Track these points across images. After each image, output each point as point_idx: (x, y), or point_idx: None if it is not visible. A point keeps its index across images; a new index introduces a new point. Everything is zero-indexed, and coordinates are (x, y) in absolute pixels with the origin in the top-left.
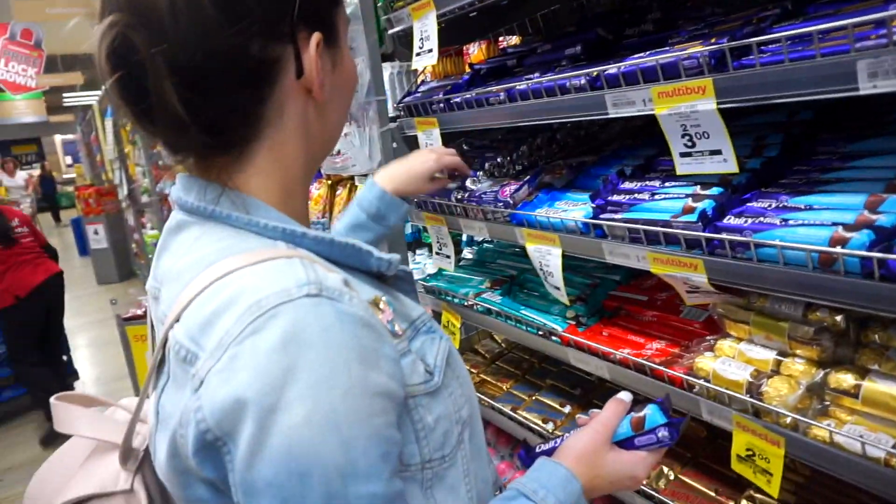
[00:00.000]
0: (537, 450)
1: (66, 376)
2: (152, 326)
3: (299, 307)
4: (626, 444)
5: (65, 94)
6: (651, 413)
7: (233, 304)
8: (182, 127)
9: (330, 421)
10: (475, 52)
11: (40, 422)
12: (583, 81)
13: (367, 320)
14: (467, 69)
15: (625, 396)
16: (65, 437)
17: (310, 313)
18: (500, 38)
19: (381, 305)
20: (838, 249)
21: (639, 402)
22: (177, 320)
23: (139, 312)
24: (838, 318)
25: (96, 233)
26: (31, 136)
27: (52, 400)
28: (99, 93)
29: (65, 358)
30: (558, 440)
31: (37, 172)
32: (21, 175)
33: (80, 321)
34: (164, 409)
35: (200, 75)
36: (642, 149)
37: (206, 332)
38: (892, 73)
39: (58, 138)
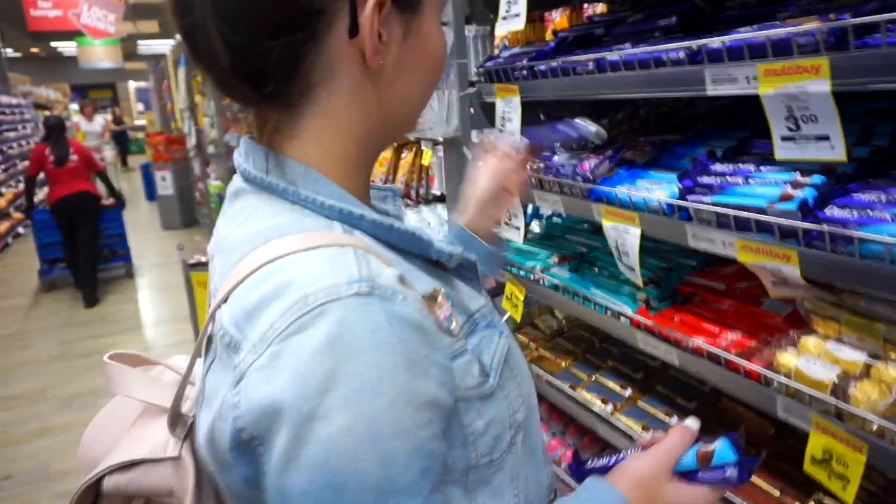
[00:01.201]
0: (589, 465)
1: (93, 295)
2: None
3: (348, 306)
4: (688, 476)
5: (140, 42)
6: (721, 447)
7: (280, 295)
8: (227, 74)
9: (371, 432)
10: (558, 18)
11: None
12: (681, 55)
13: (420, 323)
14: (549, 36)
15: (692, 424)
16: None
17: (358, 314)
18: (585, 5)
19: (440, 299)
20: None
21: (704, 435)
22: (224, 300)
23: (203, 259)
24: None
25: (163, 179)
26: (107, 82)
27: (104, 359)
28: (172, 41)
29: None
30: (612, 458)
31: (108, 118)
32: (98, 120)
33: (145, 262)
34: (211, 386)
35: (241, 17)
36: (730, 130)
37: (251, 322)
38: None
39: (131, 85)
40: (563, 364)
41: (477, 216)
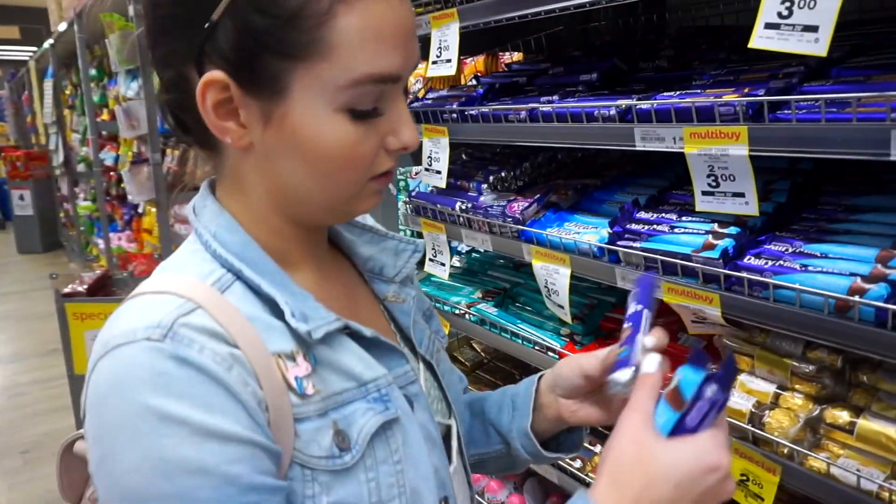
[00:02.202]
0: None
1: None
2: None
3: (134, 349)
4: (679, 429)
5: None
6: (683, 376)
7: (101, 335)
8: (167, 116)
9: (159, 468)
10: (473, 62)
11: None
12: (612, 112)
13: (212, 371)
14: (464, 79)
15: (649, 366)
16: None
17: (145, 357)
18: (501, 53)
19: (298, 360)
20: (857, 299)
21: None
22: None
23: (80, 289)
24: (836, 357)
25: (21, 199)
26: None
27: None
28: (35, 49)
29: None
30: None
31: None
32: None
33: None
34: None
35: (155, 42)
36: (643, 178)
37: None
38: None
39: None
40: None
41: (556, 381)
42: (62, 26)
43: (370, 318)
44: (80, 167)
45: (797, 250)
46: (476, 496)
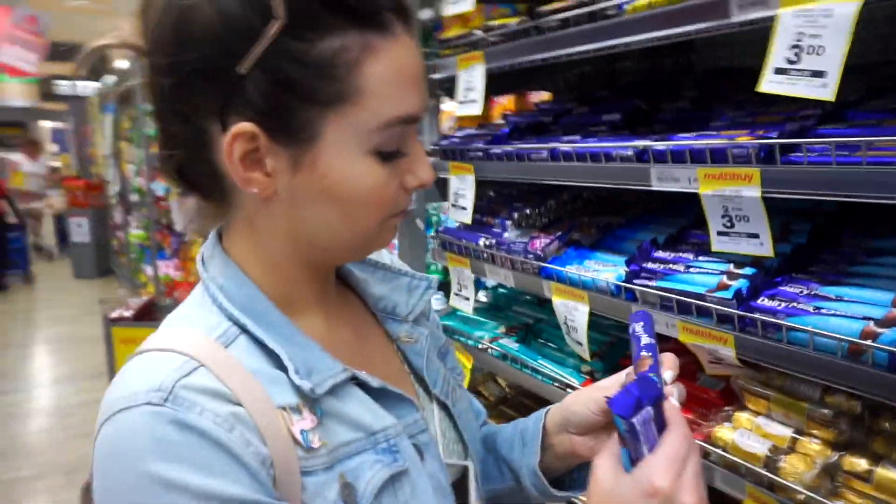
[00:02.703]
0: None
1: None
2: None
3: (135, 414)
4: (632, 459)
5: (59, 82)
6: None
7: (106, 398)
8: (168, 170)
9: None
10: (504, 101)
11: None
12: (629, 153)
13: (213, 434)
14: (495, 117)
15: (676, 397)
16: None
17: (145, 422)
18: (530, 93)
19: (304, 413)
20: (868, 342)
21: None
22: None
23: (127, 314)
24: (855, 403)
25: (79, 226)
26: (18, 120)
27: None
28: (98, 84)
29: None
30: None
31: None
32: (45, 161)
33: (55, 313)
34: None
35: (161, 103)
36: (666, 216)
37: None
38: None
39: (46, 125)
40: None
41: (570, 408)
42: (124, 63)
43: (382, 361)
44: (134, 197)
45: (812, 292)
46: None
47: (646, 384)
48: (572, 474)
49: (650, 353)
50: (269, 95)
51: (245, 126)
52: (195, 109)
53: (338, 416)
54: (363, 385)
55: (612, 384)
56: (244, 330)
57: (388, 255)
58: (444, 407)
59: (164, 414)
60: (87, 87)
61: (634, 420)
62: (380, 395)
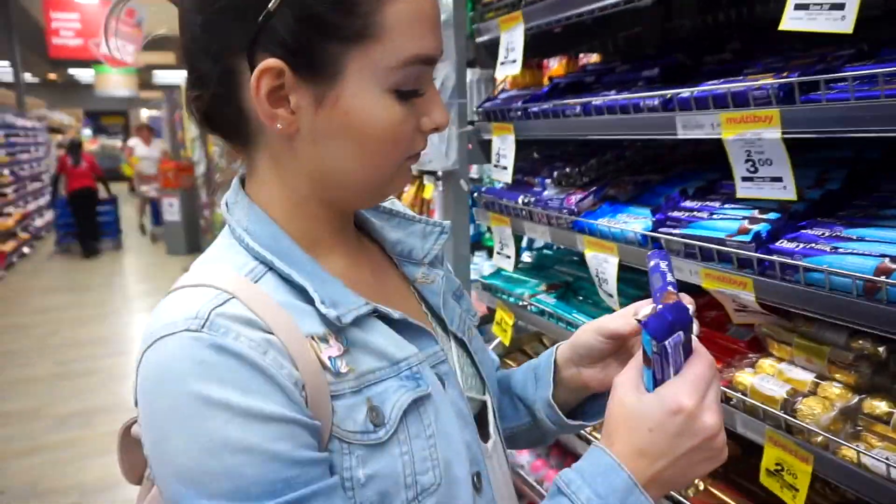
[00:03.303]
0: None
1: (93, 246)
2: None
3: (175, 340)
4: (657, 387)
5: (156, 72)
6: (643, 335)
7: (148, 325)
8: (193, 112)
9: (207, 449)
10: (555, 66)
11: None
12: (655, 102)
13: (249, 357)
14: (546, 82)
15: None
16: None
17: (186, 347)
18: (581, 55)
19: (331, 342)
20: (882, 279)
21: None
22: None
23: None
24: (880, 348)
25: (171, 206)
26: (120, 109)
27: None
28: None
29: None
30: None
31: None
32: (158, 145)
33: (147, 286)
34: None
35: (192, 46)
36: (707, 172)
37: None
38: None
39: (143, 113)
40: None
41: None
42: None
43: (400, 301)
44: (218, 177)
45: (834, 234)
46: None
47: (679, 310)
48: (584, 406)
49: (675, 290)
50: (296, 32)
51: (272, 62)
52: (224, 47)
53: (363, 345)
54: (385, 318)
55: (620, 315)
56: (270, 268)
57: (401, 205)
58: (461, 343)
59: (203, 339)
60: (179, 76)
61: (667, 342)
62: (401, 327)
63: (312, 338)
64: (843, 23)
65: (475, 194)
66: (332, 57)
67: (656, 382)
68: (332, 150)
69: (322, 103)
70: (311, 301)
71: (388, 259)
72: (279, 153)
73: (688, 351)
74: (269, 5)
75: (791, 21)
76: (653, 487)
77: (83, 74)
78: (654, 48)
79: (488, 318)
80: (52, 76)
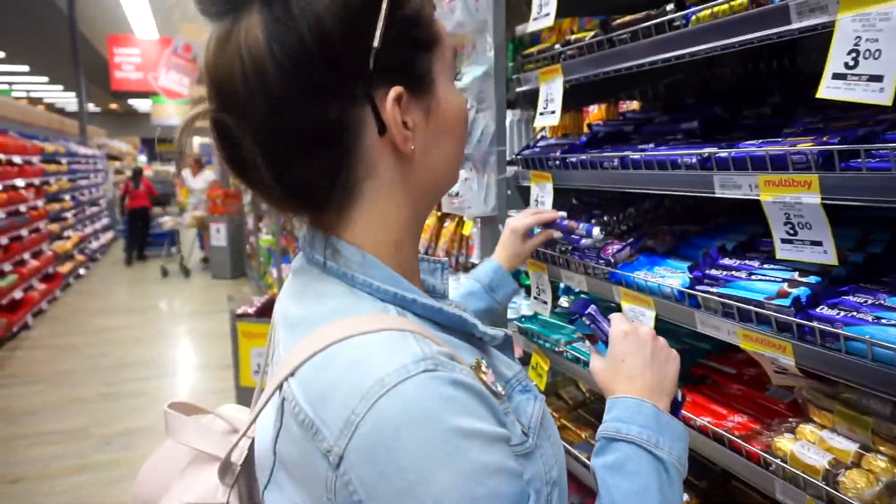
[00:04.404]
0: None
1: (142, 254)
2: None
3: (416, 383)
4: (604, 343)
5: None
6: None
7: (354, 380)
8: (279, 199)
9: (472, 478)
10: (595, 110)
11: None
12: (693, 160)
13: (480, 389)
14: (585, 127)
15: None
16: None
17: (428, 387)
18: (621, 101)
19: (483, 368)
20: None
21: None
22: (292, 374)
23: (250, 311)
24: None
25: (218, 231)
26: (173, 137)
27: (164, 408)
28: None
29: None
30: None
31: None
32: (206, 177)
33: (191, 308)
34: (286, 455)
35: (280, 144)
36: (746, 226)
37: (327, 405)
38: None
39: (196, 140)
40: (584, 435)
41: (513, 255)
42: None
43: None
44: (264, 205)
45: (877, 302)
46: None
47: (582, 301)
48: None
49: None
50: (401, 55)
51: (398, 89)
52: (335, 100)
53: (494, 368)
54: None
55: (521, 217)
56: (406, 306)
57: None
58: None
59: (441, 376)
60: None
61: (589, 310)
62: (502, 345)
63: (472, 367)
64: (881, 95)
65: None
66: (428, 67)
67: (605, 343)
68: (440, 151)
69: (430, 113)
70: (454, 332)
71: None
72: (392, 181)
73: (609, 320)
74: (373, 41)
75: (828, 90)
76: (657, 398)
77: (141, 104)
78: (694, 97)
79: (524, 361)
80: (113, 106)
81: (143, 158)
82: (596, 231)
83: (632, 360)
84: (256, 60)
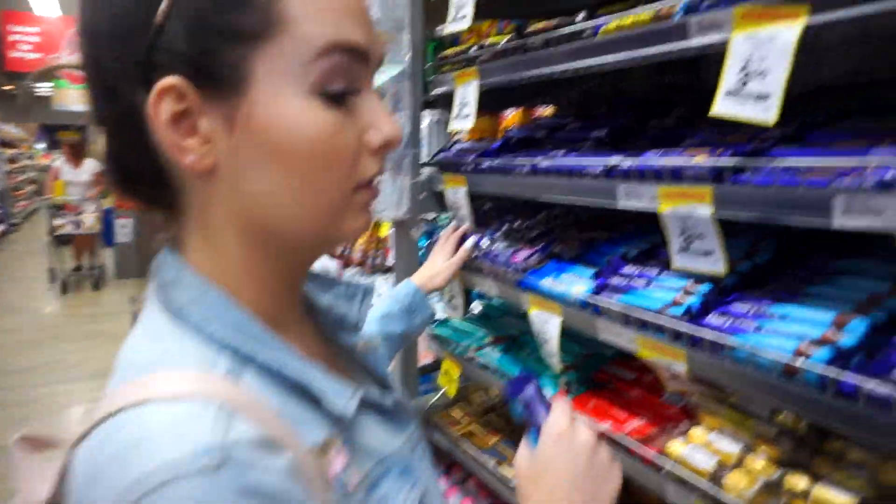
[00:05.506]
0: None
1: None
2: None
3: (192, 485)
4: (537, 431)
5: None
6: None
7: (122, 468)
8: (111, 176)
9: None
10: (511, 113)
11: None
12: (598, 170)
13: (283, 491)
14: (501, 130)
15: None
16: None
17: (204, 493)
18: (537, 106)
19: (334, 450)
20: (799, 362)
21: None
22: (84, 437)
23: None
24: (800, 423)
25: (123, 227)
26: (78, 124)
27: (11, 442)
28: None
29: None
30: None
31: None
32: (88, 167)
33: (92, 311)
34: None
35: (94, 107)
36: (651, 235)
37: (94, 488)
38: (863, 211)
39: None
40: (491, 441)
41: (432, 278)
42: None
43: (353, 374)
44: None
45: (759, 311)
46: None
47: (520, 377)
48: None
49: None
50: (191, 40)
51: (169, 80)
52: (120, 81)
53: (358, 443)
54: (368, 404)
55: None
56: (247, 360)
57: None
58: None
59: (224, 480)
60: None
61: (525, 392)
62: (386, 411)
63: (314, 450)
64: (766, 114)
65: (427, 243)
66: (235, 62)
67: (537, 433)
68: (259, 182)
69: (235, 122)
70: (300, 400)
71: (320, 325)
72: (204, 202)
73: (547, 407)
74: (157, 18)
75: (721, 107)
76: None
77: (41, 88)
78: (606, 105)
79: (434, 367)
80: (8, 87)
81: (40, 146)
82: (472, 242)
83: (558, 472)
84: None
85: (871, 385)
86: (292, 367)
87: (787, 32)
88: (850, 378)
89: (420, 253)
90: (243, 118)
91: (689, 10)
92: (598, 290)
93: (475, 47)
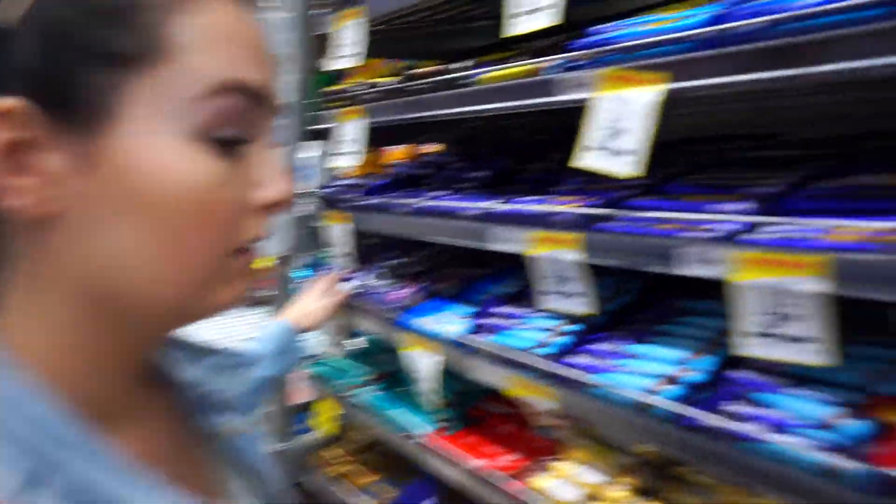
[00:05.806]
0: None
1: None
2: None
3: None
4: None
5: None
6: None
7: None
8: None
9: None
10: (394, 148)
11: None
12: (474, 213)
13: None
14: (382, 165)
15: None
16: None
17: None
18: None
19: None
20: (650, 399)
21: None
22: None
23: None
24: (656, 452)
25: None
26: None
27: None
28: None
29: None
30: None
31: None
32: None
33: None
34: None
35: None
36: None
37: None
38: (698, 261)
39: None
40: (367, 481)
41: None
42: None
43: (206, 474)
44: None
45: (619, 350)
46: None
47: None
48: None
49: None
50: (43, 55)
51: (8, 101)
52: None
53: None
54: None
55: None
56: (50, 472)
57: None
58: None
59: None
60: None
61: None
62: None
63: None
64: (627, 168)
65: (304, 277)
66: (97, 87)
67: None
68: (111, 235)
69: (91, 161)
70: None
71: (179, 405)
72: (35, 255)
73: None
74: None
75: (582, 160)
76: None
77: None
78: (491, 146)
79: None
80: None
81: None
82: (351, 285)
83: None
84: None
85: (710, 419)
86: (108, 486)
87: (647, 96)
88: (690, 412)
89: (296, 288)
90: (103, 155)
91: (561, 68)
92: (472, 331)
93: (363, 85)
